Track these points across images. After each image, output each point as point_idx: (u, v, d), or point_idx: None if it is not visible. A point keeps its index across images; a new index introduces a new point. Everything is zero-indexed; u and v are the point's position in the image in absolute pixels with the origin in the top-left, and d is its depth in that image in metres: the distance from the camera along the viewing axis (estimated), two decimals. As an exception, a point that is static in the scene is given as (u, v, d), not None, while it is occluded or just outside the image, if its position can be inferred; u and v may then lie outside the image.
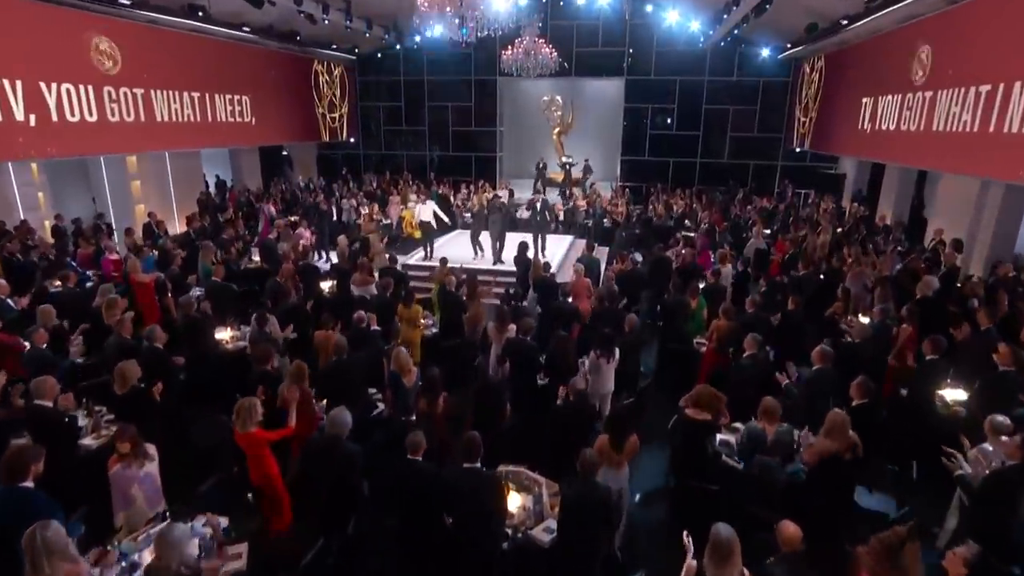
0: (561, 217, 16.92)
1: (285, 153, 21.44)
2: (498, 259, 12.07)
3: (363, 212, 15.05)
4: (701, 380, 7.68)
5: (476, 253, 12.63)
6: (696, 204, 16.72)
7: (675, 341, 8.20)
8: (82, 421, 5.75)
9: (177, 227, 15.72)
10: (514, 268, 10.63)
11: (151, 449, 4.77)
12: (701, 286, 9.84)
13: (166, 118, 13.59)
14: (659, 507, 5.86)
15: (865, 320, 8.56)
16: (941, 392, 6.33)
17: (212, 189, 19.03)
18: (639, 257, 9.64)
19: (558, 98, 22.01)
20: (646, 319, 9.93)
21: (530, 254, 11.61)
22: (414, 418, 5.18)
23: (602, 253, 14.79)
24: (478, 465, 4.48)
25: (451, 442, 5.53)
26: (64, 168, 14.18)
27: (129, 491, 4.50)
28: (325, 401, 6.07)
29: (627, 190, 18.42)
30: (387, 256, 9.76)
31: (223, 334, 8.13)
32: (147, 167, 15.37)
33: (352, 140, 22.11)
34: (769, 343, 7.11)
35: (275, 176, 19.84)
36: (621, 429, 4.94)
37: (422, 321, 8.64)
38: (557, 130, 22.46)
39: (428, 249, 12.56)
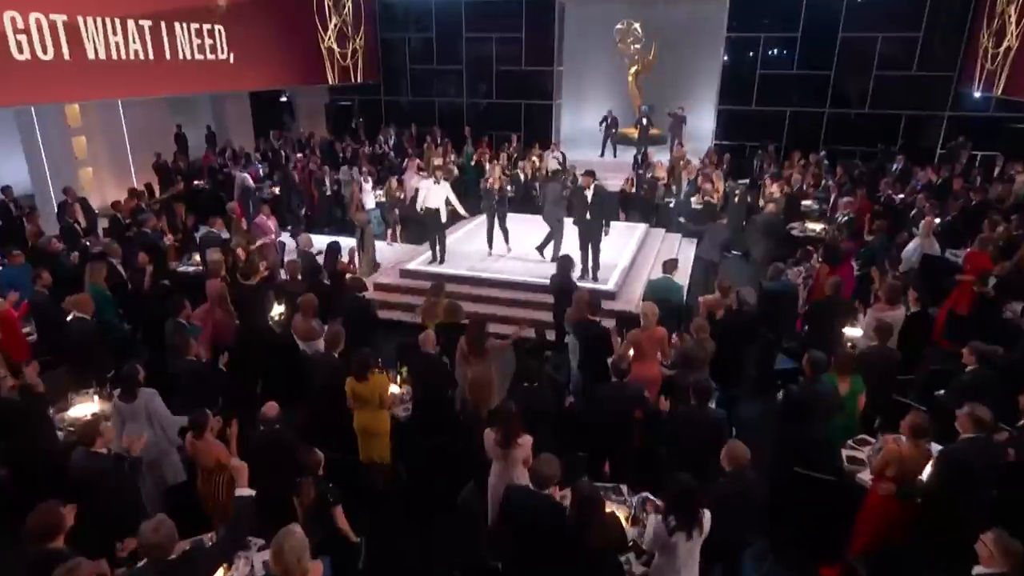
0: (634, 189, 13.86)
1: (285, 99, 19.12)
2: (593, 270, 9.35)
3: (365, 187, 12.47)
4: (856, 548, 4.82)
5: (491, 249, 9.94)
6: (828, 179, 13.19)
7: (807, 459, 5.28)
8: None
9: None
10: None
11: None
12: (852, 341, 6.81)
13: (101, 55, 11.33)
14: None
15: None
16: None
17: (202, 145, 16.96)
18: (751, 298, 6.63)
19: (636, 26, 18.68)
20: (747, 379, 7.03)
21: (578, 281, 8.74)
22: None
23: (687, 251, 11.76)
24: None
25: None
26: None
27: None
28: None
29: (727, 156, 14.97)
30: (354, 275, 7.06)
31: (83, 408, 5.85)
32: (94, 119, 13.42)
33: (371, 83, 19.48)
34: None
35: (272, 129, 17.56)
36: None
37: (394, 391, 6.09)
38: (634, 69, 19.31)
39: (438, 249, 9.89)
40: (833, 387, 5.45)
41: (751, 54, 17.00)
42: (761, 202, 10.58)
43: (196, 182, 13.66)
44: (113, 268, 7.62)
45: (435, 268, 9.77)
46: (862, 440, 5.50)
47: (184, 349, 5.72)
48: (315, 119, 19.56)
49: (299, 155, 15.60)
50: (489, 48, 18.74)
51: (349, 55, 18.19)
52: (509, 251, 10.09)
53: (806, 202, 12.47)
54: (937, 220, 10.45)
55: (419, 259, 10.12)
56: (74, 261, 8.04)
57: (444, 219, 9.83)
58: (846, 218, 10.71)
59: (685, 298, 8.55)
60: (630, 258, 10.15)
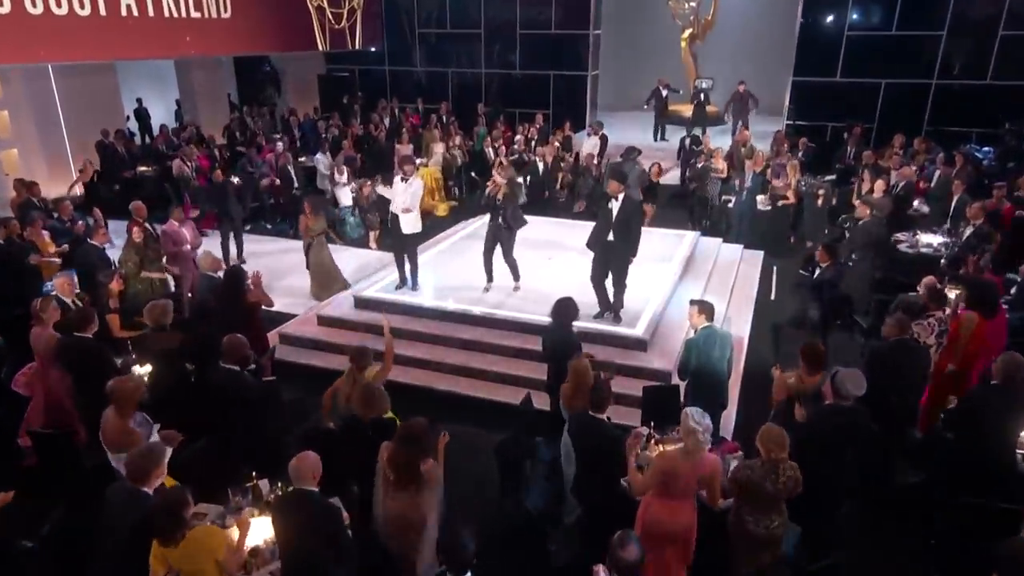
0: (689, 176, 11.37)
1: (268, 69, 17.07)
2: (615, 309, 6.81)
3: (338, 179, 10.32)
4: None
5: (488, 280, 7.54)
6: (935, 169, 10.40)
7: None
8: None
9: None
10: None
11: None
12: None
13: (22, 8, 9.52)
14: None
15: None
16: None
17: (174, 121, 15.06)
18: (856, 387, 4.12)
19: (691, -21, 16.30)
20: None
21: (594, 324, 6.49)
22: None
23: (751, 268, 9.24)
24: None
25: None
26: None
27: None
28: None
29: (804, 141, 12.25)
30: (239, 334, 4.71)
31: None
32: (18, 90, 11.63)
33: (373, 50, 17.30)
34: None
35: (248, 104, 15.57)
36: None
37: (265, 538, 3.84)
38: (688, 33, 16.93)
39: (407, 270, 7.57)
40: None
41: (836, 13, 14.46)
42: (857, 206, 7.88)
43: (141, 168, 11.67)
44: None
45: (403, 296, 7.49)
46: None
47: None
48: (307, 93, 17.49)
49: (276, 136, 13.51)
50: (513, 8, 16.77)
51: (345, 16, 16.03)
52: (517, 288, 7.57)
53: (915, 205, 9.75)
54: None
55: (381, 284, 7.82)
56: None
57: (417, 228, 7.51)
58: (971, 228, 7.99)
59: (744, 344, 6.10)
60: (671, 285, 7.64)
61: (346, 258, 9.82)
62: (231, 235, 9.37)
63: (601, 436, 4.05)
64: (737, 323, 7.60)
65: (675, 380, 5.70)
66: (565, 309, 5.13)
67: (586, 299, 6.71)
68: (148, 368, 5.11)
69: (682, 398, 5.37)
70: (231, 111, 15.54)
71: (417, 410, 6.26)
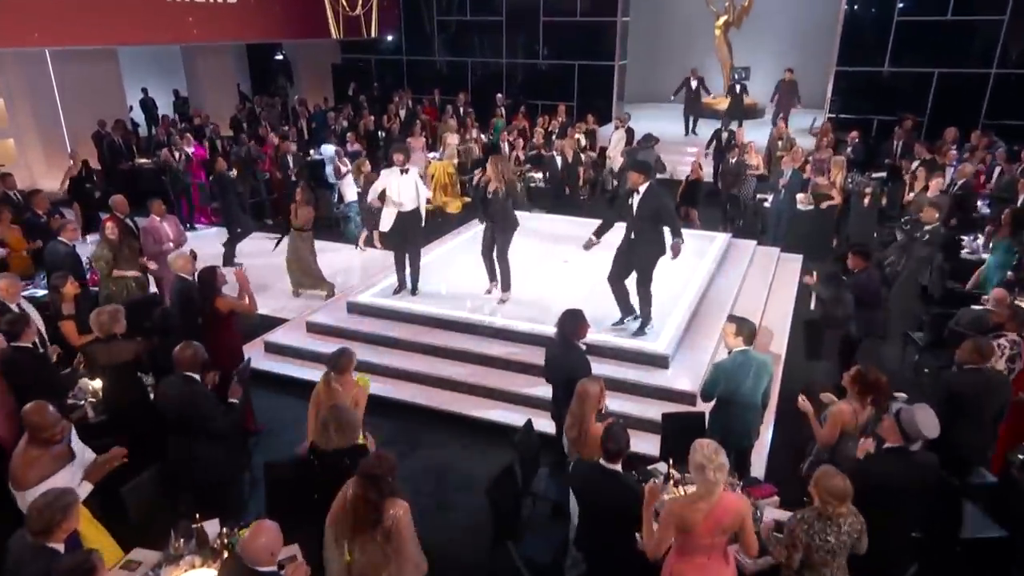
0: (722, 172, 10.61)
1: (281, 57, 16.65)
2: (643, 323, 6.09)
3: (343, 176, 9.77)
4: None
5: (492, 282, 6.87)
6: (997, 165, 9.56)
7: None
8: None
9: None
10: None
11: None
12: None
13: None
14: None
15: None
16: None
17: (171, 112, 14.70)
18: (927, 427, 3.38)
19: (726, -38, 15.63)
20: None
21: (606, 336, 5.88)
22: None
23: (788, 274, 8.46)
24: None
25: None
26: None
27: None
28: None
29: (854, 135, 11.40)
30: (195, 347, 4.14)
31: None
32: (15, 77, 11.34)
33: (389, 39, 16.77)
34: None
35: (260, 94, 15.17)
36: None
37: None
38: (723, 20, 16.18)
39: (407, 273, 6.96)
40: None
41: (885, -1, 13.71)
42: (924, 210, 7.04)
43: (141, 160, 11.30)
44: None
45: (400, 301, 6.89)
46: None
47: None
48: (321, 83, 17.05)
49: (285, 127, 13.05)
50: (536, -6, 16.29)
51: (360, 3, 15.47)
52: (502, 301, 6.78)
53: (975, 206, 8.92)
54: None
55: (377, 288, 7.22)
56: None
57: (422, 223, 6.92)
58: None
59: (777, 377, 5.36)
60: (698, 294, 6.92)
61: (347, 258, 9.35)
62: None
63: (614, 482, 3.38)
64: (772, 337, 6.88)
65: (700, 404, 5.02)
66: (568, 322, 4.44)
67: (606, 307, 6.10)
68: (97, 383, 4.58)
69: (706, 425, 4.70)
70: (241, 101, 15.15)
71: (410, 430, 5.74)
